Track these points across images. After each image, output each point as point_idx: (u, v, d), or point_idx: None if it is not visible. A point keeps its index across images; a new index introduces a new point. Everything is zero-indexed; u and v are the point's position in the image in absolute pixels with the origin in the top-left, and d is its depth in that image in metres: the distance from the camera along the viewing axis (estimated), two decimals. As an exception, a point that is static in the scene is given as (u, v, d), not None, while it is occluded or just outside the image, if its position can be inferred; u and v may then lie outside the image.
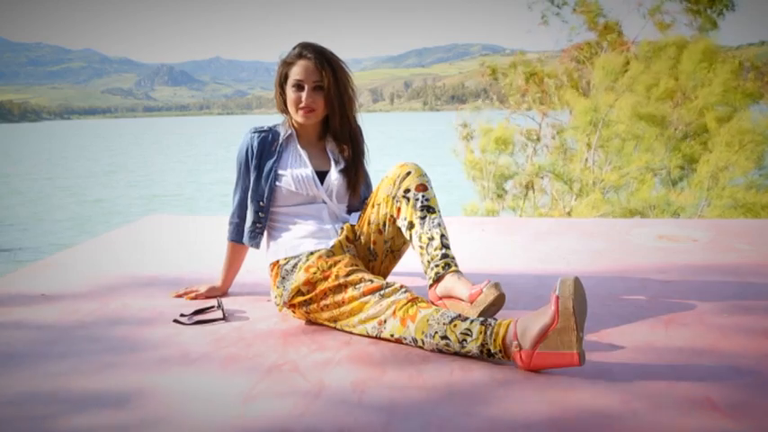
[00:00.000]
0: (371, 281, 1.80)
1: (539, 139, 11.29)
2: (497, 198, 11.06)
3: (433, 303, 1.81)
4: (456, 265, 1.87)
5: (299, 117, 2.05)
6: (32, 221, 19.66)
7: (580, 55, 11.49)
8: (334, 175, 2.08)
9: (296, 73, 2.01)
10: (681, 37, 10.00)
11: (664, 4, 10.70)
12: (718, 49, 9.29)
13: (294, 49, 2.05)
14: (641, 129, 9.03)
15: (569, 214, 9.33)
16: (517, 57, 12.52)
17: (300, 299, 1.89)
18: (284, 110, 2.11)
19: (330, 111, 2.05)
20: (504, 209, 10.99)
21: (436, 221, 1.90)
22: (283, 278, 1.95)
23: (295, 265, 1.94)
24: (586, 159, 10.22)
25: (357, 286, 1.80)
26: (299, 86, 2.01)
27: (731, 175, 8.12)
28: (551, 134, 11.52)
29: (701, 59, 8.92)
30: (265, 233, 2.12)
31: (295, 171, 2.06)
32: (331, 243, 1.98)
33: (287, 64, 2.04)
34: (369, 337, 1.79)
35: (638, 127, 9.03)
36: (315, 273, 1.86)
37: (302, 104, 2.01)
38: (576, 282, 1.50)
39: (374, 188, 2.09)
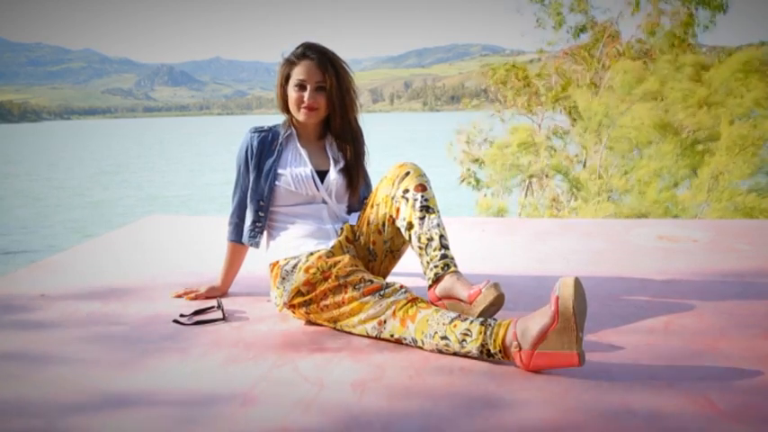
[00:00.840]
0: (371, 281, 1.80)
1: (536, 144, 11.30)
2: (506, 192, 11.07)
3: (432, 304, 1.81)
4: (455, 266, 1.87)
5: (300, 116, 2.05)
6: (33, 223, 19.65)
7: (576, 55, 11.49)
8: (333, 175, 2.08)
9: (298, 73, 2.02)
10: (700, 56, 9.95)
11: (658, 3, 10.70)
12: (760, 62, 9.10)
13: (297, 48, 2.05)
14: (652, 135, 8.98)
15: (573, 212, 9.33)
16: (514, 58, 12.53)
17: (300, 299, 1.89)
18: (285, 109, 2.12)
19: (332, 111, 2.06)
20: (512, 208, 11.00)
21: (435, 222, 1.90)
22: (283, 279, 1.95)
23: (295, 266, 1.93)
24: (584, 162, 10.22)
25: (357, 286, 1.80)
26: (301, 86, 2.02)
27: (731, 178, 8.09)
28: (553, 135, 11.53)
29: (739, 69, 8.79)
30: (265, 233, 2.12)
31: (294, 170, 2.06)
32: (331, 243, 1.98)
33: (289, 64, 2.05)
34: (369, 337, 1.79)
35: (648, 133, 8.97)
36: (315, 273, 1.86)
37: (304, 104, 2.01)
38: (577, 282, 1.50)
39: (374, 188, 2.10)
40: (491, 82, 12.45)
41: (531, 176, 10.74)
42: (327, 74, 2.00)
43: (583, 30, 11.24)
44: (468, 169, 11.63)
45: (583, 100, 9.84)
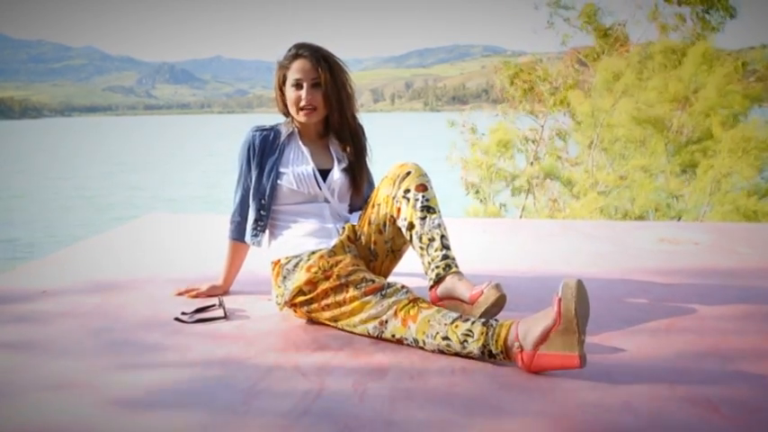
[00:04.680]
0: (373, 281, 1.80)
1: (537, 142, 11.28)
2: (495, 198, 11.03)
3: (433, 304, 1.81)
4: (457, 266, 1.86)
5: (300, 117, 2.05)
6: (33, 222, 19.65)
7: (583, 57, 11.47)
8: (336, 174, 2.08)
9: (294, 72, 2.02)
10: (682, 41, 9.98)
11: (665, 7, 10.70)
12: (717, 52, 9.23)
13: (290, 50, 2.06)
14: (642, 133, 9.00)
15: (566, 216, 9.32)
16: (515, 59, 12.48)
17: (302, 298, 1.89)
18: (286, 112, 2.12)
19: (329, 107, 2.05)
20: (507, 210, 10.97)
21: (436, 222, 1.90)
22: (285, 277, 1.95)
23: (296, 265, 1.93)
24: (576, 161, 10.23)
25: (358, 286, 1.79)
26: (297, 85, 2.02)
27: (733, 181, 8.09)
28: (550, 136, 11.51)
29: (702, 62, 8.87)
30: (267, 231, 2.12)
31: (296, 169, 2.06)
32: (332, 243, 1.98)
33: (284, 66, 2.06)
34: (370, 337, 1.79)
35: (638, 130, 8.99)
36: (316, 272, 1.86)
37: (302, 102, 2.02)
38: (579, 284, 1.50)
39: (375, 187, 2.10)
40: (506, 79, 12.25)
41: (527, 179, 10.72)
42: (321, 69, 2.00)
43: (602, 33, 11.20)
44: (468, 181, 11.53)
45: (576, 101, 9.87)
